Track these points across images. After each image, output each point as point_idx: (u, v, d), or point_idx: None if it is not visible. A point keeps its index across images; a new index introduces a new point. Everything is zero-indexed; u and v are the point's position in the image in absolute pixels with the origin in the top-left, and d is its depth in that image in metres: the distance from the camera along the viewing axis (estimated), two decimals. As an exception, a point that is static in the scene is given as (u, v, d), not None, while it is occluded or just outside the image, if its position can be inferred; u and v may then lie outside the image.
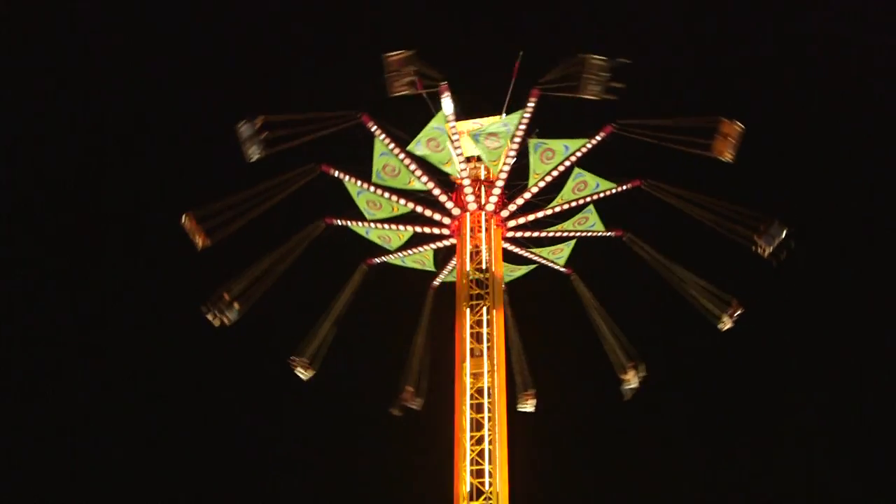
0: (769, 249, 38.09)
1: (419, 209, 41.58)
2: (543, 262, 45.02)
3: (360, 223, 43.16)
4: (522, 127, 39.46)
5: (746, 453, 56.21)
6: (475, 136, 39.70)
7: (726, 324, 40.56)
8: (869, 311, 55.52)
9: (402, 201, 41.50)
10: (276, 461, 58.10)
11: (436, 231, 42.57)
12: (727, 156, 37.46)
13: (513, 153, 40.05)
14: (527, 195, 41.24)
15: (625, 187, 41.85)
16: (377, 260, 45.07)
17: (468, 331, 38.37)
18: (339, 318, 43.74)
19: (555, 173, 40.95)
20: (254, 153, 37.90)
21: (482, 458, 36.13)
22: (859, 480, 53.89)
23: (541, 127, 40.08)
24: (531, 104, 39.10)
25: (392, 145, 40.13)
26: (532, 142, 40.07)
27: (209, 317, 38.65)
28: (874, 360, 55.49)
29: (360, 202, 42.53)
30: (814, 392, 55.80)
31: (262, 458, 57.87)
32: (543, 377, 45.37)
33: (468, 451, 36.24)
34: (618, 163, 42.12)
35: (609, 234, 43.61)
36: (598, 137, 40.21)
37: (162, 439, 57.41)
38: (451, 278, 45.15)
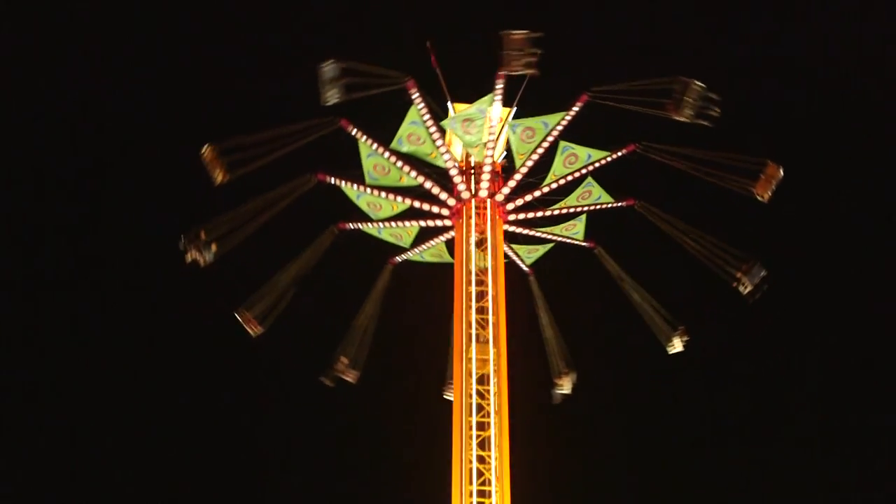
0: (749, 287, 38.58)
1: (416, 204, 41.86)
2: (560, 239, 44.20)
3: (370, 224, 43.88)
4: (497, 110, 39.05)
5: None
6: (451, 125, 39.63)
7: (747, 287, 39.15)
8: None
9: (399, 199, 41.91)
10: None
11: (439, 223, 42.71)
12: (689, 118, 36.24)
13: (492, 135, 39.63)
14: (517, 176, 40.77)
15: (619, 154, 40.69)
16: (399, 259, 45.58)
17: (474, 316, 38.50)
18: (368, 322, 44.97)
19: (540, 150, 40.28)
20: (332, 97, 37.48)
21: (484, 447, 36.12)
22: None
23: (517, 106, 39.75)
24: (575, 108, 39.55)
25: (376, 146, 40.52)
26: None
27: (187, 255, 38.75)
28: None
29: (362, 205, 43.18)
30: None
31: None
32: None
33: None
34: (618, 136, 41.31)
35: (620, 203, 42.48)
36: (576, 108, 39.29)
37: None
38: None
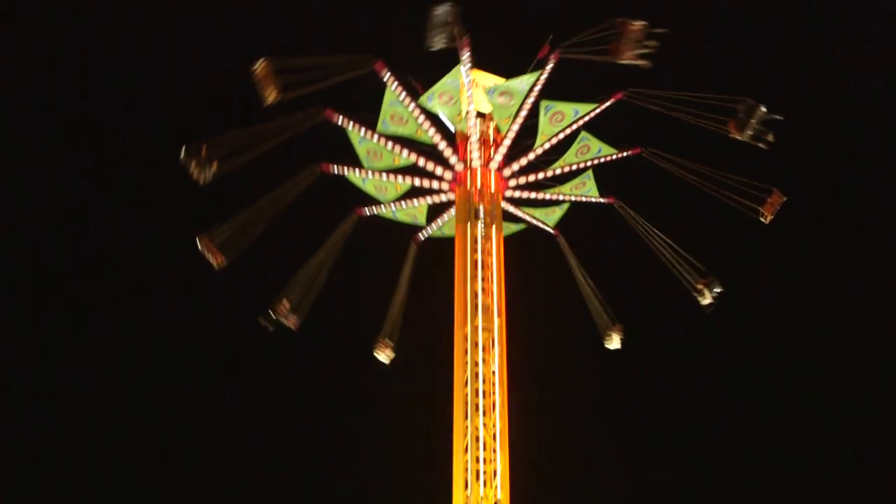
0: (747, 132, 38.02)
1: (421, 162, 41.22)
2: (576, 198, 44.32)
3: (357, 172, 42.47)
4: (537, 88, 39.33)
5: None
6: (490, 92, 39.38)
7: (706, 299, 41.25)
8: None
9: (405, 152, 41.00)
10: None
11: (435, 185, 42.29)
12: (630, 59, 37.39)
13: (524, 112, 39.88)
14: (531, 156, 41.29)
15: (625, 154, 42.25)
16: (367, 211, 44.38)
17: (479, 283, 38.61)
18: (326, 267, 43.42)
19: (561, 136, 41.00)
20: (439, 42, 36.12)
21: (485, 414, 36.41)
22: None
23: (554, 91, 40.07)
24: (549, 67, 38.95)
25: (403, 95, 39.35)
26: (543, 103, 40.00)
27: (192, 171, 37.10)
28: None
29: (361, 151, 41.82)
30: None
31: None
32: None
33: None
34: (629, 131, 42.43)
35: (601, 200, 44.02)
36: (608, 103, 40.35)
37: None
38: (437, 234, 45.43)
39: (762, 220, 39.97)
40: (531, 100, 39.64)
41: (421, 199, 43.47)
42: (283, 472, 56.53)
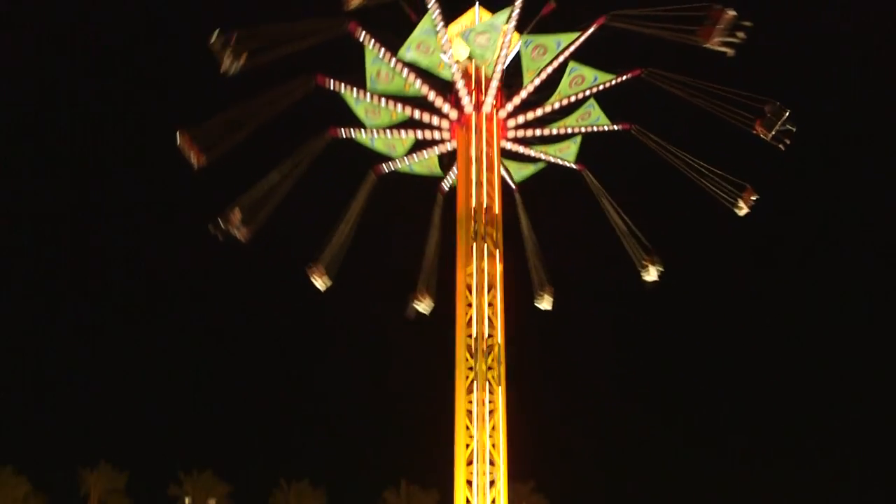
0: (771, 133, 37.45)
1: (416, 114, 41.41)
2: (552, 159, 44.36)
3: (364, 132, 43.19)
4: (513, 24, 38.74)
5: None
6: (465, 36, 39.07)
7: (743, 209, 40.13)
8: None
9: (399, 107, 41.35)
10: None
11: (437, 136, 42.42)
12: (716, 45, 36.17)
13: (504, 50, 39.33)
14: (523, 93, 40.66)
15: (624, 77, 40.92)
16: (385, 168, 45.09)
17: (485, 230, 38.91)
18: (353, 227, 44.43)
19: (550, 69, 40.13)
20: (230, 66, 36.84)
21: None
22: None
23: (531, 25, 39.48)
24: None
25: (383, 52, 39.68)
26: (522, 38, 39.33)
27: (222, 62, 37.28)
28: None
29: (359, 111, 42.41)
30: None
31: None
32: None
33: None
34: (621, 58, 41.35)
35: (616, 127, 42.81)
36: (591, 30, 39.24)
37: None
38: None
39: (762, 136, 37.97)
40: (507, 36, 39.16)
41: (410, 133, 42.95)
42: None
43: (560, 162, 44.20)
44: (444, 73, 40.51)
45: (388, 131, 42.78)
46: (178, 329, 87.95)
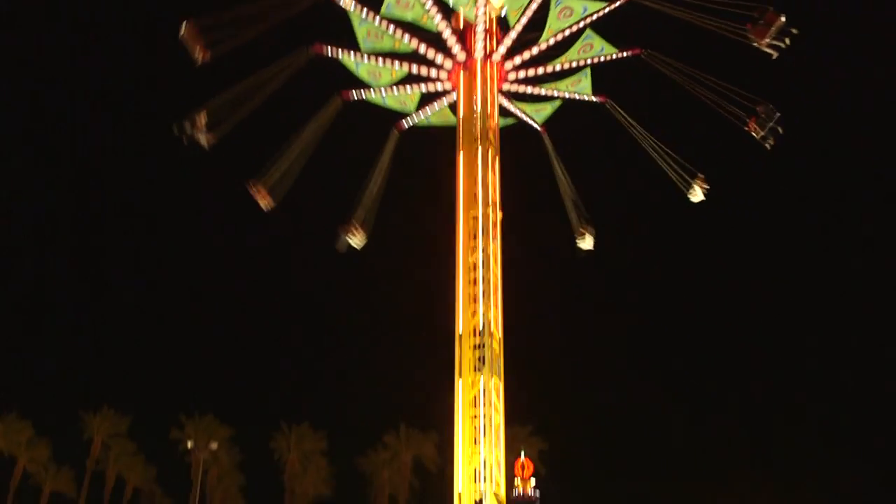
0: (762, 132, 39.62)
1: (414, 69, 41.05)
2: (568, 95, 44.04)
3: (351, 54, 41.16)
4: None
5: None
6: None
7: (696, 195, 42.33)
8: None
9: (407, 37, 40.00)
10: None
11: (440, 87, 41.98)
12: (765, 46, 37.74)
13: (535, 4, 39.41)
14: (535, 50, 40.74)
15: (624, 54, 42.02)
16: (354, 95, 43.12)
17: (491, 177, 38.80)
18: (382, 185, 43.36)
19: (567, 32, 40.52)
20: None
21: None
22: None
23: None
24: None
25: (366, 12, 39.05)
26: None
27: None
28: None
29: (362, 74, 41.61)
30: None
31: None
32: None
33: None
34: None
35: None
36: (618, 2, 39.94)
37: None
38: (423, 123, 44.76)
39: (752, 133, 40.49)
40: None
41: (415, 87, 42.50)
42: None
43: (578, 97, 43.84)
44: (430, 25, 40.08)
45: (380, 59, 41.36)
46: (181, 274, 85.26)
